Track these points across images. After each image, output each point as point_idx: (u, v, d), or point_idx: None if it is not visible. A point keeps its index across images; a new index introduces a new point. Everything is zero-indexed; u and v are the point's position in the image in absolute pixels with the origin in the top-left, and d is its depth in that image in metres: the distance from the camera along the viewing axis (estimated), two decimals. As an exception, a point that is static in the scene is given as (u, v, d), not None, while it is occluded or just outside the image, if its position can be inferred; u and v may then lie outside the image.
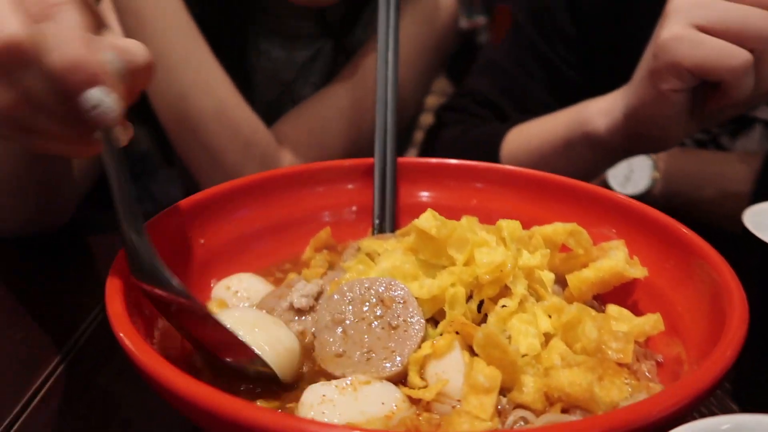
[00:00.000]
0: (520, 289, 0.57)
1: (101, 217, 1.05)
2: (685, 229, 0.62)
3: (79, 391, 0.66)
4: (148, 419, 0.62)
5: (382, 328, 0.55)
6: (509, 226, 0.61)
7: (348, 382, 0.50)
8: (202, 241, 0.69)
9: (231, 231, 0.72)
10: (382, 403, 0.49)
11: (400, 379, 0.54)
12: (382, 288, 0.58)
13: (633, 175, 1.12)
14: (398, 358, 0.53)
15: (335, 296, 0.58)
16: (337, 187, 0.80)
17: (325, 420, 0.47)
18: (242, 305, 0.65)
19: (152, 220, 0.63)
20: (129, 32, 0.95)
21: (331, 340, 0.56)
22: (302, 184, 0.78)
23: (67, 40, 0.47)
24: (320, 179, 0.80)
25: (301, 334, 0.60)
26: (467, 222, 0.64)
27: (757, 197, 1.00)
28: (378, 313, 0.56)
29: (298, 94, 1.28)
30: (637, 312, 0.61)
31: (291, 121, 1.12)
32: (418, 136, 1.57)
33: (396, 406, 0.49)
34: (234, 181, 0.74)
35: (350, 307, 0.57)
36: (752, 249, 0.66)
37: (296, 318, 0.63)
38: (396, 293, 0.57)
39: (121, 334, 0.44)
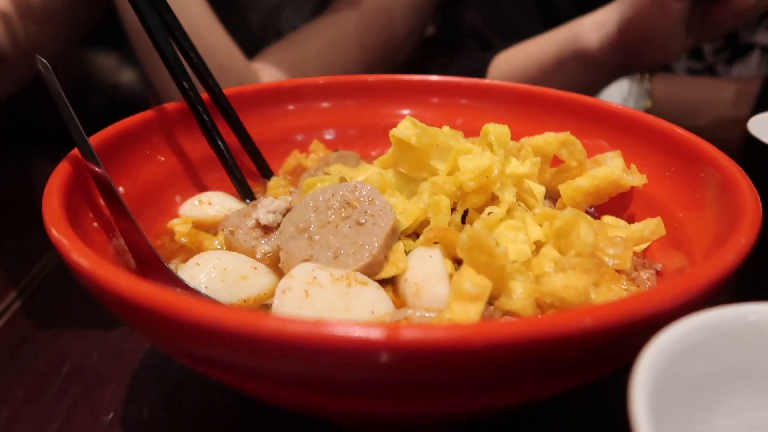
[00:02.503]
0: (508, 196, 0.52)
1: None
2: (688, 134, 0.57)
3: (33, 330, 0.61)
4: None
5: (349, 227, 0.51)
6: (497, 131, 0.56)
7: (343, 274, 0.46)
8: (162, 158, 0.63)
9: (195, 150, 0.66)
10: (372, 311, 0.44)
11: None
12: (347, 191, 0.53)
13: (626, 104, 1.07)
14: (366, 249, 0.49)
15: (298, 207, 0.54)
16: (312, 107, 0.74)
17: (307, 303, 0.43)
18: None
19: (102, 133, 0.57)
20: None
21: (297, 249, 0.51)
22: (274, 101, 0.72)
23: None
24: (293, 97, 0.74)
25: (270, 257, 0.55)
26: (450, 131, 0.59)
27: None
28: (344, 215, 0.52)
29: (286, 22, 1.21)
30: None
31: (272, 55, 1.06)
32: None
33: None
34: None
35: (314, 215, 0.52)
36: (758, 159, 0.61)
37: (264, 239, 0.58)
38: (362, 192, 0.53)
39: (54, 230, 0.38)
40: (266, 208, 0.57)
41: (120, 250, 0.52)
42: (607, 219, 0.56)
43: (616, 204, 0.59)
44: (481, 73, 1.05)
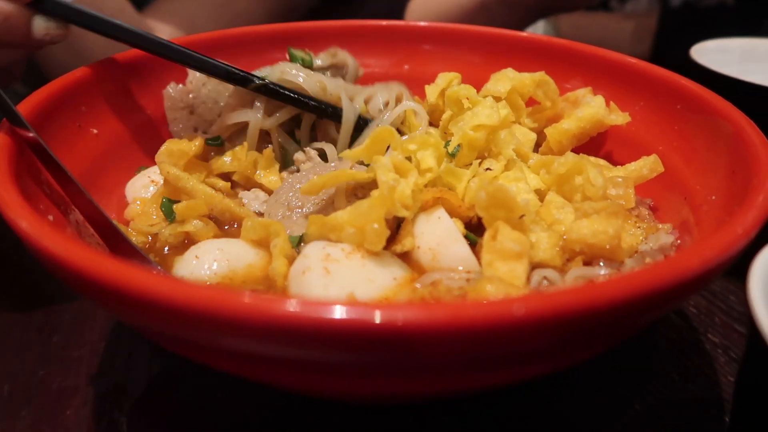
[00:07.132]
0: (508, 148, 0.50)
1: None
2: (654, 67, 0.57)
3: None
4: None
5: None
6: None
7: (353, 248, 0.42)
8: (95, 131, 0.53)
9: (130, 119, 0.56)
10: (394, 278, 0.41)
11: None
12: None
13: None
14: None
15: (275, 195, 0.51)
16: (253, 59, 0.66)
17: (330, 279, 0.39)
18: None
19: (24, 103, 0.46)
20: None
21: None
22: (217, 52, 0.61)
23: None
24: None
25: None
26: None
27: (656, 55, 1.01)
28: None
29: None
30: (615, 163, 0.57)
31: (166, 8, 0.95)
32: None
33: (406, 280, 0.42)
34: (124, 53, 0.57)
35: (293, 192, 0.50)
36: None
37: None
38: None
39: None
40: (257, 200, 0.52)
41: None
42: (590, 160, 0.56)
43: (591, 145, 0.59)
44: (396, 18, 1.00)
